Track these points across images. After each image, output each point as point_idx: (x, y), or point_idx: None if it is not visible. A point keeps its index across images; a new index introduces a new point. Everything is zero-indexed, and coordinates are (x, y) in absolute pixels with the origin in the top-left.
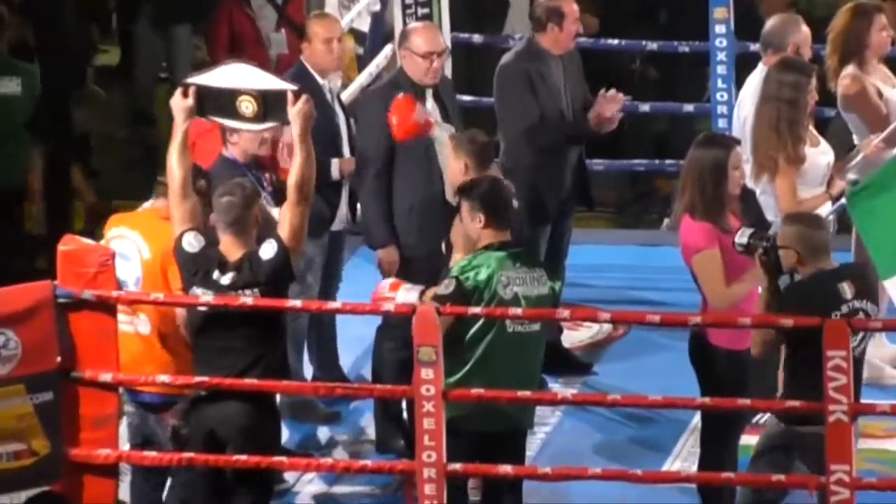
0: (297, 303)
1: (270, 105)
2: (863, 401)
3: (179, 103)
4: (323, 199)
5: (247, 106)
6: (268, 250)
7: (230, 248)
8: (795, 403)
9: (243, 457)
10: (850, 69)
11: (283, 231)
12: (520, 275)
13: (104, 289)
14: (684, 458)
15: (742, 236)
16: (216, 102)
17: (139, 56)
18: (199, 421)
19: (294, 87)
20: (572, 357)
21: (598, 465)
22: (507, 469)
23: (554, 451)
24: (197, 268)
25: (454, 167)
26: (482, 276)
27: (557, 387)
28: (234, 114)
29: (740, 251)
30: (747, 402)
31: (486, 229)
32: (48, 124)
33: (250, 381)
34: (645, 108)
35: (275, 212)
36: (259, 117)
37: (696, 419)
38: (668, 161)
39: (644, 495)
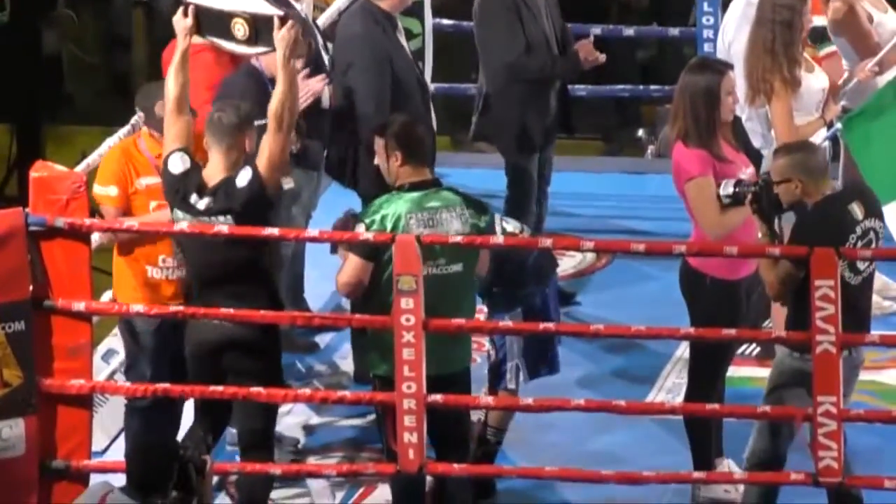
0: (275, 231)
1: (261, 29)
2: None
3: (179, 22)
4: (315, 130)
5: (239, 28)
6: (243, 177)
7: (214, 170)
8: (782, 335)
9: (220, 388)
10: None
11: (261, 159)
12: (434, 215)
13: (77, 216)
14: (668, 389)
15: (727, 187)
16: (213, 23)
17: None
18: (198, 339)
19: (280, 13)
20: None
21: (580, 396)
22: (487, 401)
23: (536, 381)
24: (177, 189)
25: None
26: (388, 222)
27: None
28: (229, 36)
29: (728, 203)
30: (732, 332)
31: (404, 167)
32: (18, 47)
33: (226, 311)
34: (629, 32)
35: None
36: (251, 40)
37: (681, 350)
38: (653, 87)
39: (628, 426)
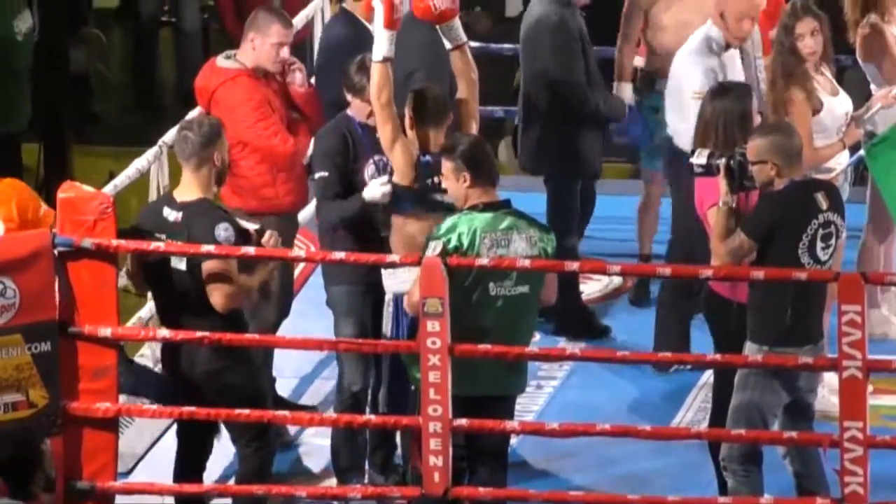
0: (301, 253)
1: None
2: (877, 357)
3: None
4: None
5: None
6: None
7: (186, 186)
8: (808, 361)
9: (245, 411)
10: (871, 17)
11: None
12: (507, 237)
13: (104, 237)
14: (694, 412)
15: (699, 157)
16: None
17: None
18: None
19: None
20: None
21: (606, 419)
22: (513, 425)
23: (561, 405)
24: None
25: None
26: (465, 239)
27: (565, 341)
28: None
29: (699, 172)
30: (758, 358)
31: (473, 188)
32: (46, 66)
33: (250, 337)
34: None
35: None
36: None
37: (706, 374)
38: None
39: (655, 449)
